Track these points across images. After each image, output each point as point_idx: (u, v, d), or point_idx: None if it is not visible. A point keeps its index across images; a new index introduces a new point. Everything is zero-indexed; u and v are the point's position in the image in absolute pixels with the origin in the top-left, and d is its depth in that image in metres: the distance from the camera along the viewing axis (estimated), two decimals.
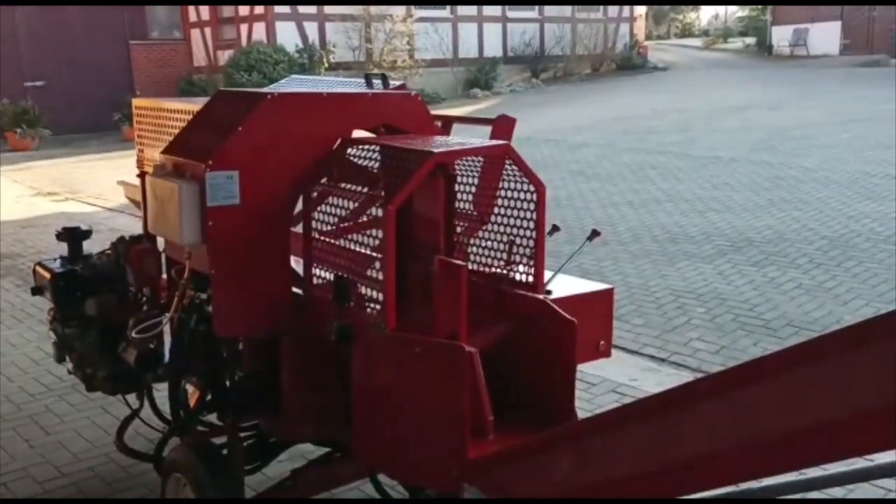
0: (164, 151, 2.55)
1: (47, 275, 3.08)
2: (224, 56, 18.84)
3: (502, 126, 3.19)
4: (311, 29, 18.77)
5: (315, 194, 2.43)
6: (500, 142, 2.41)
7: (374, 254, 2.21)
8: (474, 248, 2.62)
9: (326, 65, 18.08)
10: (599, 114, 15.68)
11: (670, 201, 8.34)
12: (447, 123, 3.36)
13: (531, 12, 22.74)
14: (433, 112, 2.93)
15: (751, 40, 32.71)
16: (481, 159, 2.61)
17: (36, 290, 3.21)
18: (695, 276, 5.90)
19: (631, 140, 12.12)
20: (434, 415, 2.12)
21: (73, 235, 3.25)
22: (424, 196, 2.67)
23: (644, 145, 11.75)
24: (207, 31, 19.83)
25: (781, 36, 28.60)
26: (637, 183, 9.30)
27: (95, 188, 10.75)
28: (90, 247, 3.29)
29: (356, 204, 2.46)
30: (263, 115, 2.38)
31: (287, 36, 18.33)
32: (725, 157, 10.57)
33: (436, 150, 2.19)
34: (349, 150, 2.47)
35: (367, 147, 2.45)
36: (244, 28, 18.91)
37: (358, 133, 2.70)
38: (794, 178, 9.11)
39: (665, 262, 6.29)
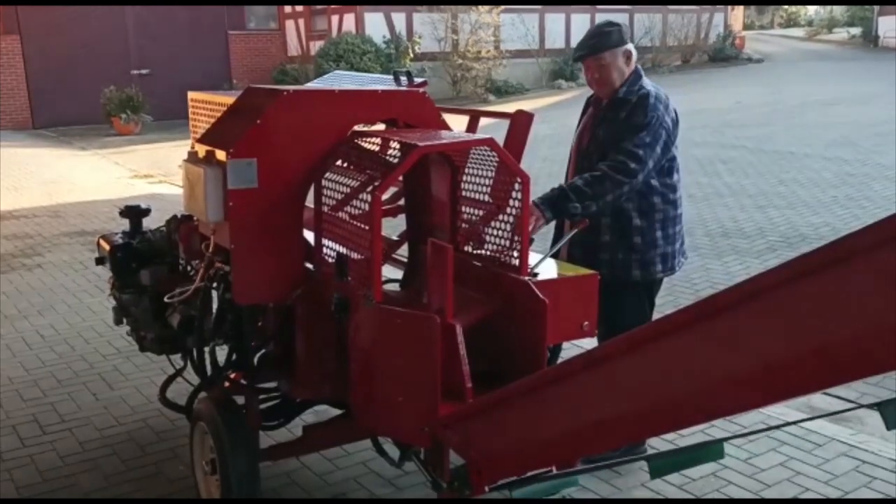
0: (198, 140, 2.91)
1: (107, 247, 3.50)
2: (316, 46, 19.46)
3: (519, 120, 3.43)
4: (399, 19, 19.19)
5: (324, 181, 2.73)
6: (484, 136, 2.64)
7: (366, 233, 2.49)
8: (490, 233, 2.87)
9: (412, 55, 18.44)
10: (680, 106, 15.38)
11: (733, 196, 8.32)
12: (475, 117, 3.65)
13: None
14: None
15: (856, 31, 31.32)
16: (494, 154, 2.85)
17: (99, 260, 3.65)
18: (739, 270, 5.96)
19: (706, 133, 11.99)
20: (411, 378, 2.39)
21: (133, 213, 3.67)
22: (435, 183, 2.95)
23: (719, 139, 11.63)
24: (301, 21, 20.54)
25: (888, 27, 27.30)
26: (703, 177, 9.28)
27: None
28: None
29: (357, 190, 2.74)
30: (279, 109, 2.69)
31: (375, 27, 18.80)
32: (800, 152, 10.39)
33: (420, 144, 2.46)
34: (356, 141, 2.76)
35: (369, 140, 2.74)
36: (335, 19, 19.51)
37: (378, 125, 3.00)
38: (866, 175, 8.91)
39: (713, 255, 6.35)
